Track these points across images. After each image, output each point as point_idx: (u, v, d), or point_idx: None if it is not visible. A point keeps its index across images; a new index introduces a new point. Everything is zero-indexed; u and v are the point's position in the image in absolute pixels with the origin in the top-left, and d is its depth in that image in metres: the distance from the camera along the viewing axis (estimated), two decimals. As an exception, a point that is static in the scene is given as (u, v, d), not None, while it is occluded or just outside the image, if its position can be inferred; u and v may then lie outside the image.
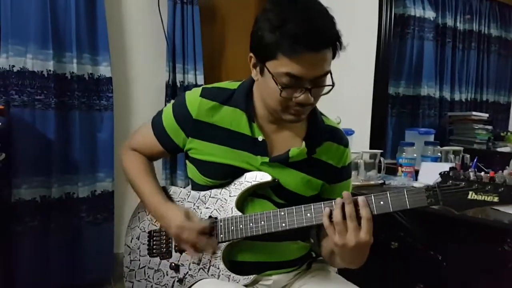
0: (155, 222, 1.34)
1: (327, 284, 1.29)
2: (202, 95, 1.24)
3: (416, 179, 2.17)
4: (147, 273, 1.32)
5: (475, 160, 2.12)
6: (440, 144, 2.43)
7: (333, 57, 1.10)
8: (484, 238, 1.58)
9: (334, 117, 1.46)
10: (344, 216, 1.05)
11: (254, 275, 1.21)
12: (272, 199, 1.23)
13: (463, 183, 1.00)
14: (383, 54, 2.63)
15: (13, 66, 2.20)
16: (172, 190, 1.36)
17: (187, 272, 1.26)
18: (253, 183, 1.21)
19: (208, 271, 1.23)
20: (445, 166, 1.86)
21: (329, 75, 1.10)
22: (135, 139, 1.40)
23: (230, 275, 1.21)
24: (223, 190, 1.25)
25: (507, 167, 2.03)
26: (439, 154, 2.33)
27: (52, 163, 2.33)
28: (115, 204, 2.56)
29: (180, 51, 2.65)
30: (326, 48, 1.06)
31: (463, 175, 1.00)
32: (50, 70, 2.28)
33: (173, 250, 1.29)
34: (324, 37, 1.05)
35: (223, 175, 1.24)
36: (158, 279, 1.29)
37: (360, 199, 1.06)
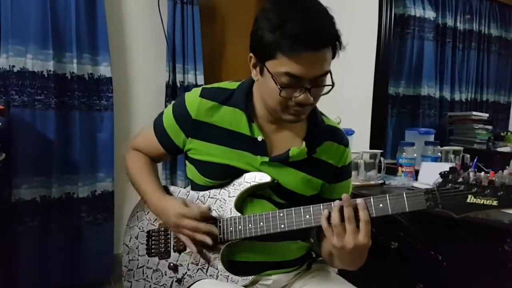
0: (153, 222, 1.34)
1: (327, 285, 1.29)
2: (202, 95, 1.24)
3: (416, 179, 2.17)
4: (146, 273, 1.32)
5: (475, 160, 2.11)
6: (440, 144, 2.42)
7: (333, 57, 1.10)
8: (484, 238, 1.58)
9: (334, 117, 1.46)
10: (342, 219, 1.05)
11: (253, 276, 1.21)
12: (272, 199, 1.23)
13: (462, 187, 1.00)
14: (383, 54, 2.63)
15: (13, 66, 2.20)
16: (172, 190, 1.36)
17: (186, 272, 1.26)
18: (252, 183, 1.21)
19: (206, 271, 1.23)
20: (445, 166, 1.85)
21: (328, 75, 1.10)
22: (138, 141, 1.41)
23: (228, 276, 1.20)
24: (222, 190, 1.24)
25: (507, 167, 2.03)
26: (439, 154, 2.33)
27: (52, 163, 2.33)
28: (115, 204, 2.56)
29: (180, 51, 2.65)
30: (325, 47, 1.06)
31: (463, 178, 1.00)
32: (50, 70, 2.28)
33: (172, 250, 1.29)
34: (324, 37, 1.05)
35: (223, 175, 1.24)
36: (156, 279, 1.29)
37: (359, 201, 1.06)
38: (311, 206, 1.12)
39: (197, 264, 1.24)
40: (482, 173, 1.01)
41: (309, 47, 1.03)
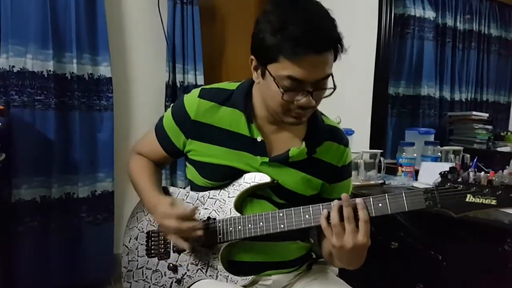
0: (153, 223, 1.34)
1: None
2: (200, 96, 1.24)
3: (416, 179, 2.17)
4: (145, 274, 1.32)
5: (475, 160, 2.11)
6: (440, 144, 2.42)
7: (334, 60, 1.09)
8: (484, 238, 1.58)
9: (334, 117, 1.46)
10: (341, 218, 1.05)
11: (252, 276, 1.21)
12: (271, 199, 1.23)
13: (461, 186, 1.00)
14: (383, 54, 2.63)
15: (13, 66, 2.20)
16: (171, 190, 1.36)
17: (185, 273, 1.26)
18: (252, 184, 1.21)
19: (206, 271, 1.23)
20: (445, 166, 1.86)
21: (330, 78, 1.10)
22: (140, 145, 1.42)
23: (228, 276, 1.20)
24: (222, 191, 1.25)
25: (507, 166, 2.02)
26: (439, 154, 2.32)
27: (52, 163, 2.33)
28: (115, 204, 2.56)
29: (180, 51, 2.65)
30: (327, 50, 1.06)
31: (462, 177, 1.00)
32: (50, 70, 2.28)
33: (171, 251, 1.29)
34: (326, 40, 1.05)
35: (223, 176, 1.24)
36: (156, 279, 1.29)
37: (358, 201, 1.06)
38: (310, 206, 1.12)
39: (196, 265, 1.25)
40: (482, 173, 1.02)
41: (312, 50, 1.03)
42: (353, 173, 2.05)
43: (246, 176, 1.22)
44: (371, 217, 1.06)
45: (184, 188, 1.37)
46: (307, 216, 1.12)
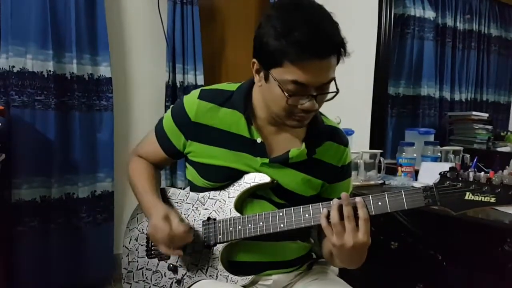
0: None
1: None
2: (200, 97, 1.24)
3: (416, 179, 2.17)
4: (145, 275, 1.32)
5: (475, 160, 2.12)
6: (440, 144, 2.42)
7: (337, 63, 1.10)
8: (484, 238, 1.58)
9: (334, 117, 1.46)
10: (341, 217, 1.05)
11: (252, 276, 1.21)
12: (271, 199, 1.23)
13: (461, 184, 1.00)
14: (383, 54, 2.63)
15: (13, 66, 2.21)
16: (171, 191, 1.36)
17: (185, 273, 1.26)
18: (252, 184, 1.21)
19: (206, 272, 1.23)
20: (445, 166, 1.86)
21: (333, 81, 1.11)
22: (141, 147, 1.41)
23: (228, 276, 1.20)
24: (222, 191, 1.25)
25: (507, 167, 2.02)
26: (439, 154, 2.32)
27: (52, 163, 2.33)
28: (115, 205, 2.56)
29: (180, 51, 2.65)
30: (332, 55, 1.06)
31: (461, 176, 1.00)
32: (50, 71, 2.28)
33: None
34: (331, 44, 1.05)
35: (223, 177, 1.24)
36: (156, 280, 1.29)
37: (358, 200, 1.06)
38: (310, 205, 1.13)
39: (196, 265, 1.24)
40: (482, 173, 1.02)
41: (317, 55, 1.03)
42: (353, 173, 2.05)
43: (246, 176, 1.22)
44: (371, 215, 1.06)
45: (183, 188, 1.36)
46: (307, 215, 1.12)
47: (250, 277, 1.20)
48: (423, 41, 2.71)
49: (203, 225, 1.25)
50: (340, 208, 1.05)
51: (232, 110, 1.23)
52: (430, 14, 2.70)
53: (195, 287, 1.23)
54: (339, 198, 1.07)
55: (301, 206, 1.14)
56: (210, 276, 1.23)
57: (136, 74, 2.69)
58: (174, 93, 2.68)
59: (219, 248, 1.22)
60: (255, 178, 1.21)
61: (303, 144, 1.23)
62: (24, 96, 2.24)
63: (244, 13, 3.03)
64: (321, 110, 1.29)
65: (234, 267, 1.23)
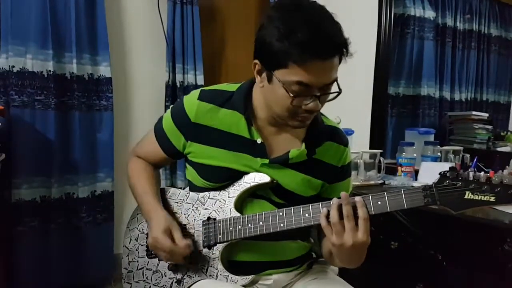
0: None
1: (328, 287, 1.28)
2: (200, 97, 1.24)
3: (416, 179, 2.17)
4: (146, 274, 1.32)
5: (475, 159, 2.12)
6: (440, 144, 2.42)
7: (339, 63, 1.10)
8: (484, 238, 1.58)
9: (334, 117, 1.46)
10: (341, 217, 1.05)
11: (252, 276, 1.21)
12: (271, 199, 1.23)
13: (460, 183, 1.00)
14: (383, 54, 2.63)
15: (13, 66, 2.21)
16: (171, 191, 1.36)
17: (186, 273, 1.26)
18: (252, 184, 1.21)
19: (206, 271, 1.23)
20: (445, 166, 1.86)
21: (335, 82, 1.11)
22: (140, 147, 1.41)
23: (228, 276, 1.20)
24: (222, 191, 1.25)
25: (507, 166, 2.02)
26: (439, 154, 2.32)
27: (52, 163, 2.33)
28: (115, 204, 2.56)
29: (180, 51, 2.65)
30: (335, 55, 1.06)
31: (461, 175, 1.00)
32: (50, 71, 2.28)
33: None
34: (334, 45, 1.06)
35: (223, 178, 1.24)
36: (156, 280, 1.29)
37: (358, 199, 1.06)
38: (310, 205, 1.13)
39: (196, 265, 1.24)
40: (482, 172, 1.02)
41: (321, 56, 1.04)
42: (353, 173, 2.05)
43: (246, 176, 1.22)
44: (371, 215, 1.06)
45: (183, 188, 1.36)
46: (306, 215, 1.13)
47: (250, 277, 1.20)
48: (423, 41, 2.71)
49: (203, 225, 1.25)
50: (339, 208, 1.05)
51: (232, 110, 1.23)
52: (430, 14, 2.70)
53: (195, 287, 1.23)
54: (339, 198, 1.07)
55: (301, 206, 1.14)
56: (210, 275, 1.23)
57: (136, 74, 2.69)
58: (174, 93, 2.68)
59: (219, 247, 1.22)
60: (255, 178, 1.21)
61: (303, 145, 1.23)
62: (24, 96, 2.24)
63: (244, 13, 3.03)
64: (321, 110, 1.29)
65: (234, 267, 1.23)
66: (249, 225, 1.18)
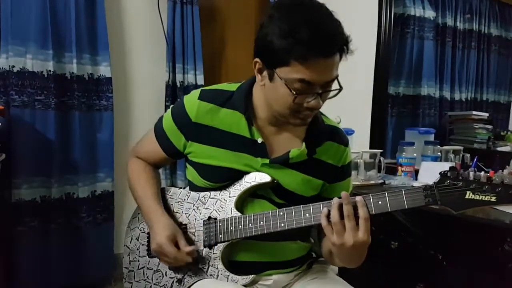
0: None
1: (328, 287, 1.28)
2: (201, 97, 1.24)
3: (416, 179, 2.17)
4: (146, 274, 1.32)
5: (475, 159, 2.12)
6: (440, 144, 2.42)
7: (340, 60, 1.10)
8: (484, 238, 1.58)
9: (334, 117, 1.46)
10: (342, 216, 1.05)
11: (253, 275, 1.21)
12: (272, 199, 1.23)
13: (461, 183, 1.00)
14: (383, 54, 2.63)
15: (13, 66, 2.20)
16: (172, 191, 1.36)
17: (186, 273, 1.26)
18: (252, 183, 1.21)
19: (207, 271, 1.23)
20: (445, 166, 1.85)
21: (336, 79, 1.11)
22: (140, 146, 1.41)
23: (229, 275, 1.21)
24: (223, 191, 1.25)
25: (507, 166, 2.02)
26: (439, 153, 2.32)
27: (52, 163, 2.33)
28: (115, 204, 2.56)
29: (180, 51, 2.65)
30: (337, 53, 1.07)
31: (461, 175, 1.00)
32: (50, 70, 2.28)
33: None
34: (336, 42, 1.06)
35: (223, 178, 1.24)
36: (157, 279, 1.29)
37: (358, 199, 1.06)
38: (310, 204, 1.13)
39: (197, 264, 1.25)
40: (482, 172, 1.02)
41: (323, 53, 1.04)
42: (353, 173, 2.05)
43: (247, 176, 1.22)
44: (371, 215, 1.06)
45: (184, 188, 1.36)
46: (307, 214, 1.13)
47: (250, 277, 1.20)
48: (423, 40, 2.71)
49: (204, 224, 1.25)
50: (340, 207, 1.06)
51: (233, 110, 1.23)
52: (430, 13, 2.70)
53: (196, 287, 1.24)
54: (340, 198, 1.07)
55: (301, 206, 1.14)
56: (210, 275, 1.23)
57: (136, 74, 2.69)
58: (174, 93, 2.68)
59: (220, 247, 1.22)
60: (255, 178, 1.21)
61: (303, 144, 1.23)
62: (24, 96, 2.23)
63: (244, 13, 3.03)
64: (321, 110, 1.29)
65: (235, 267, 1.23)
66: (250, 224, 1.18)
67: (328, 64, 1.06)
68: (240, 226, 1.19)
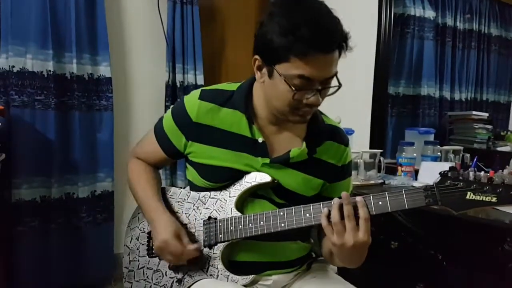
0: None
1: (327, 286, 1.28)
2: (201, 97, 1.24)
3: (416, 179, 2.17)
4: (146, 274, 1.32)
5: (475, 159, 2.12)
6: (440, 144, 2.42)
7: (339, 57, 1.11)
8: (484, 238, 1.58)
9: (334, 117, 1.46)
10: (342, 216, 1.05)
11: (253, 275, 1.21)
12: (272, 199, 1.23)
13: (462, 183, 1.00)
14: (383, 54, 2.63)
15: (13, 66, 2.20)
16: (172, 191, 1.36)
17: (186, 272, 1.26)
18: (253, 183, 1.21)
19: (207, 271, 1.23)
20: (445, 166, 1.86)
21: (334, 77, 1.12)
22: (139, 147, 1.41)
23: (229, 275, 1.21)
24: (223, 191, 1.25)
25: (507, 166, 2.02)
26: (439, 153, 2.32)
27: (52, 163, 2.33)
28: (115, 204, 2.56)
29: (180, 51, 2.65)
30: (336, 49, 1.07)
31: (462, 175, 1.00)
32: (50, 70, 2.28)
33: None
34: (335, 39, 1.07)
35: (223, 178, 1.24)
36: (157, 279, 1.29)
37: (358, 199, 1.06)
38: (311, 204, 1.13)
39: (197, 264, 1.24)
40: (482, 172, 1.02)
41: (323, 49, 1.05)
42: (353, 172, 2.05)
43: (247, 176, 1.22)
44: (372, 215, 1.06)
45: (184, 188, 1.36)
46: (307, 214, 1.13)
47: (250, 277, 1.20)
48: (423, 40, 2.71)
49: (204, 224, 1.25)
50: (340, 207, 1.06)
51: (233, 110, 1.23)
52: (430, 13, 2.70)
53: (196, 286, 1.23)
54: (340, 198, 1.07)
55: (301, 206, 1.14)
56: (210, 275, 1.23)
57: (136, 74, 2.69)
58: (174, 93, 2.67)
59: (220, 247, 1.22)
60: (256, 178, 1.21)
61: (304, 144, 1.23)
62: (24, 96, 2.23)
63: (244, 13, 3.03)
64: (321, 109, 1.29)
65: (235, 267, 1.23)
66: (250, 224, 1.18)
67: (327, 60, 1.07)
68: (240, 226, 1.19)
